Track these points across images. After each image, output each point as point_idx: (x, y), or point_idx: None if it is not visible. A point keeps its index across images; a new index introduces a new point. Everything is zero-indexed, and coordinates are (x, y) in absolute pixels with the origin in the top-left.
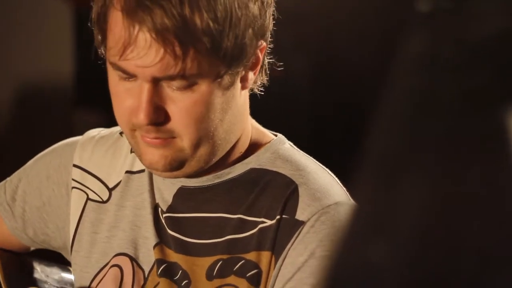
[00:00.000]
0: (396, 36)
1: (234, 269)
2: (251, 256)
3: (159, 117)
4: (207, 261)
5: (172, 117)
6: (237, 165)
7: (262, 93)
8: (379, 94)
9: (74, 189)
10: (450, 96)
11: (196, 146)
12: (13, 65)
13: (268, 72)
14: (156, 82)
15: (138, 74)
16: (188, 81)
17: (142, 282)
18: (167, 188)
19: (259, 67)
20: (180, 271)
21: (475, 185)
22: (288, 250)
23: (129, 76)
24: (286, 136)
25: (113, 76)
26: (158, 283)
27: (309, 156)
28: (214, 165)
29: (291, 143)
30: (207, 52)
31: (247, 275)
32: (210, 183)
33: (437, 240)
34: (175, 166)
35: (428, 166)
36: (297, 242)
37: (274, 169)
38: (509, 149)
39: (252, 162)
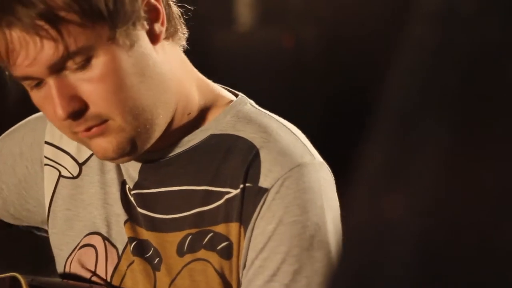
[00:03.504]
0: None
1: (204, 242)
2: (220, 228)
3: (75, 105)
4: (177, 236)
5: (90, 100)
6: (196, 131)
7: (272, 65)
8: (394, 53)
9: (46, 166)
10: (468, 46)
11: (131, 118)
12: None
13: (183, 22)
14: (57, 73)
15: (33, 73)
16: (82, 56)
17: (116, 261)
18: (131, 165)
19: (162, 16)
20: (152, 249)
21: (496, 134)
22: (256, 219)
23: (31, 80)
24: (297, 106)
25: (29, 91)
26: (133, 261)
27: (272, 115)
28: (172, 135)
29: (253, 102)
30: (82, 21)
31: (218, 248)
32: (172, 154)
33: (457, 190)
34: (127, 148)
35: (445, 115)
36: (264, 211)
37: (235, 133)
38: None
39: (211, 128)
